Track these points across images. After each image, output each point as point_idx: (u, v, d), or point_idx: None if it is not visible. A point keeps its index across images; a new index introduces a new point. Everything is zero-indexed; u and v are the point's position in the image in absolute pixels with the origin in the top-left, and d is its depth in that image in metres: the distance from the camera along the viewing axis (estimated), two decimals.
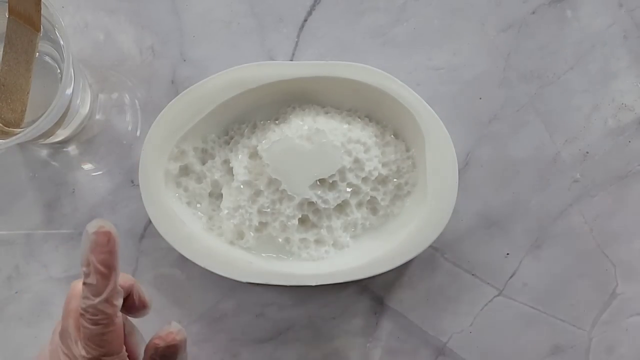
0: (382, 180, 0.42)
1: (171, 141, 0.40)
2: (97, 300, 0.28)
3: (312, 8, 0.44)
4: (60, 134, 0.41)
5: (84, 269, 0.29)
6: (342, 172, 0.40)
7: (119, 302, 0.29)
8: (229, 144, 0.42)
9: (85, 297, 0.29)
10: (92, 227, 0.28)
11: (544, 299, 0.44)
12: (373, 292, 0.44)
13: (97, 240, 0.28)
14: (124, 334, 0.32)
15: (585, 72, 0.44)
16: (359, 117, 0.42)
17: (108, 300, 0.29)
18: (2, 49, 0.37)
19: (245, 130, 0.42)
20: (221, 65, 0.42)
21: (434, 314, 0.44)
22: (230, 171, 0.41)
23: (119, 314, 0.30)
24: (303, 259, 0.41)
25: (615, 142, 0.44)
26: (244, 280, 0.40)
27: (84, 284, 0.29)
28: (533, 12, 0.44)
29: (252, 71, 0.40)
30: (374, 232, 0.42)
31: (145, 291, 0.33)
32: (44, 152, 0.44)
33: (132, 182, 0.43)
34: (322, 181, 0.40)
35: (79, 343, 0.29)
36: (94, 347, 0.29)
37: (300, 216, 0.40)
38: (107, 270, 0.28)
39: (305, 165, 0.40)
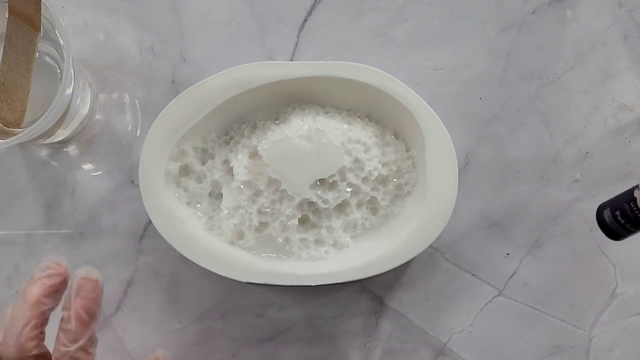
0: (382, 180, 0.42)
1: (171, 141, 0.40)
2: (73, 347, 0.28)
3: (312, 8, 0.44)
4: (60, 134, 0.41)
5: (65, 313, 0.29)
6: (342, 172, 0.40)
7: (94, 350, 0.29)
8: (229, 144, 0.42)
9: (61, 344, 0.28)
10: (80, 272, 0.29)
11: (544, 299, 0.44)
12: (373, 292, 0.44)
13: (83, 286, 0.29)
14: None
15: (585, 72, 0.44)
16: (359, 117, 0.42)
17: (84, 348, 0.28)
18: (2, 49, 0.37)
19: (245, 130, 0.42)
20: (221, 65, 0.42)
21: (434, 314, 0.44)
22: (230, 171, 0.41)
23: None
24: (303, 259, 0.41)
25: (615, 142, 0.44)
26: (244, 280, 0.40)
27: (61, 329, 0.29)
28: (533, 12, 0.44)
29: (252, 71, 0.40)
30: (374, 232, 0.42)
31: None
32: (44, 152, 0.44)
33: (132, 182, 0.43)
34: (322, 181, 0.40)
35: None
36: None
37: (300, 216, 0.40)
38: (88, 317, 0.28)
39: (305, 165, 0.40)
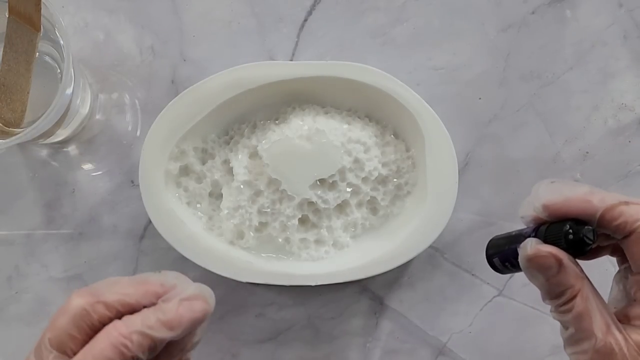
0: (382, 180, 0.42)
1: (171, 141, 0.40)
2: (138, 325, 0.24)
3: (312, 8, 0.44)
4: (60, 134, 0.41)
5: (164, 303, 0.25)
6: (342, 172, 0.40)
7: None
8: (229, 144, 0.42)
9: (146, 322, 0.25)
10: (205, 291, 0.26)
11: None
12: (373, 292, 0.44)
13: (197, 298, 0.26)
14: None
15: (585, 72, 0.44)
16: (359, 117, 0.42)
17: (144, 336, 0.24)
18: (2, 49, 0.37)
19: (245, 130, 0.42)
20: (221, 65, 0.42)
21: (433, 314, 0.44)
22: (230, 171, 0.41)
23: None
24: (303, 259, 0.41)
25: (615, 142, 0.44)
26: (244, 280, 0.40)
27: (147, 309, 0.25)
28: (533, 12, 0.44)
29: (252, 71, 0.40)
30: (374, 232, 0.42)
31: None
32: (44, 152, 0.44)
33: (132, 182, 0.43)
34: (322, 181, 0.40)
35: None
36: None
37: (300, 216, 0.40)
38: (178, 325, 0.25)
39: (305, 165, 0.40)
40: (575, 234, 0.26)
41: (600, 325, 0.25)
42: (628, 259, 0.27)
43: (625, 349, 0.25)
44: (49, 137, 0.40)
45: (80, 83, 0.39)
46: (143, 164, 0.40)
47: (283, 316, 0.44)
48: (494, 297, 0.44)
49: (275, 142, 0.40)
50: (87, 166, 0.44)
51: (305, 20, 0.44)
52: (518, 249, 0.27)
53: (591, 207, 0.26)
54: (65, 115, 0.38)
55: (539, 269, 0.26)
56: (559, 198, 0.26)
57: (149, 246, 0.43)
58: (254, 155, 0.41)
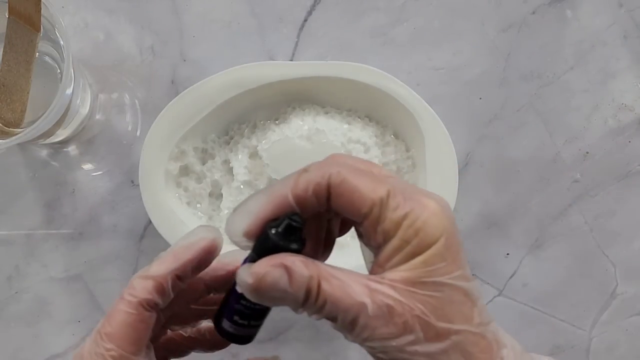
0: None
1: (171, 141, 0.40)
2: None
3: (312, 8, 0.44)
4: (60, 134, 0.41)
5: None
6: None
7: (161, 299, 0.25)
8: (229, 144, 0.42)
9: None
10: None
11: (544, 299, 0.44)
12: None
13: (203, 248, 0.26)
14: None
15: (585, 72, 0.44)
16: (359, 117, 0.42)
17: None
18: (2, 49, 0.37)
19: (245, 130, 0.42)
20: (221, 65, 0.42)
21: None
22: (230, 171, 0.41)
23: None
24: None
25: (615, 142, 0.44)
26: None
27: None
28: (533, 12, 0.44)
29: (252, 71, 0.40)
30: None
31: None
32: (44, 152, 0.44)
33: (132, 182, 0.43)
34: None
35: None
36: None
37: None
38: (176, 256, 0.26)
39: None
40: (281, 226, 0.23)
41: (361, 292, 0.22)
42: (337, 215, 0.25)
43: (396, 295, 0.22)
44: (49, 137, 0.40)
45: (80, 83, 0.39)
46: (143, 164, 0.40)
47: (283, 316, 0.43)
48: (494, 297, 0.44)
49: (276, 142, 0.40)
50: (87, 166, 0.44)
51: (305, 20, 0.44)
52: (237, 289, 0.23)
53: (275, 205, 0.24)
54: (65, 115, 0.38)
55: (272, 290, 0.23)
56: (247, 221, 0.23)
57: (149, 246, 0.43)
58: (254, 155, 0.41)
